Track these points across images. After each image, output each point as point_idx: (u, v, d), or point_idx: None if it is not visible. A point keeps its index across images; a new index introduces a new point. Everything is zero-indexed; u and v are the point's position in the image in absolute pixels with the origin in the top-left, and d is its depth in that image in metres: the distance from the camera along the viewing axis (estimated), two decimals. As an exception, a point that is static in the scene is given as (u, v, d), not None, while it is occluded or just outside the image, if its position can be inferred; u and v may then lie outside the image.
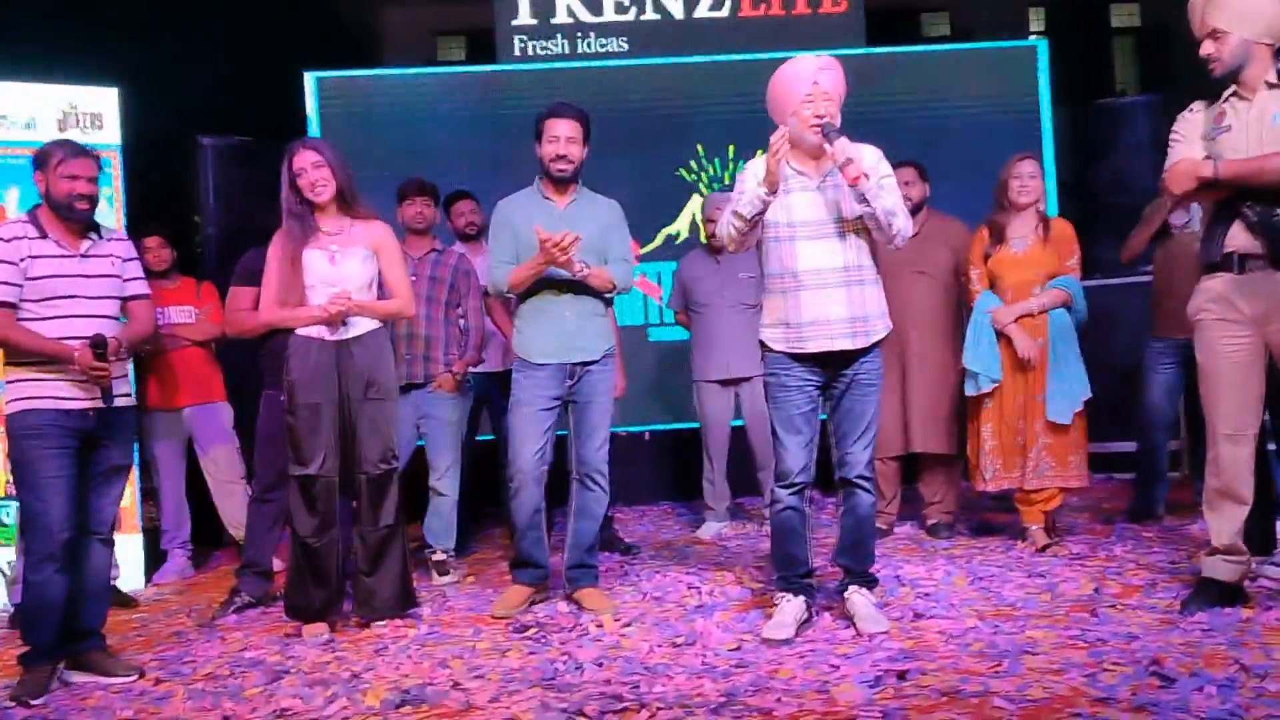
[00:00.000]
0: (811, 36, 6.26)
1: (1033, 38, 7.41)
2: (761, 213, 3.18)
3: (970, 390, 4.24)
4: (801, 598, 3.27)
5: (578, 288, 3.70)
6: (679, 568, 4.29)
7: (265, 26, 7.86)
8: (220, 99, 6.76)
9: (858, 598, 3.26)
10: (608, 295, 3.80)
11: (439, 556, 4.47)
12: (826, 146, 3.08)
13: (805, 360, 3.22)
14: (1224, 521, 3.18)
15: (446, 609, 3.87)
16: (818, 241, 3.19)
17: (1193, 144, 3.15)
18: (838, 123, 3.15)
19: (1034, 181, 4.23)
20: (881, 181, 3.17)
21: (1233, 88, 3.11)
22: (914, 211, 4.23)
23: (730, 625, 3.34)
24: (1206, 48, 3.09)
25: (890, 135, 5.89)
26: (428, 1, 11.13)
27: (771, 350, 3.28)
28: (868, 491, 3.29)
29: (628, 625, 3.43)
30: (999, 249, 4.24)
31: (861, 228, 3.21)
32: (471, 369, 4.62)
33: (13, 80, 4.65)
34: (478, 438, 5.09)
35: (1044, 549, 4.14)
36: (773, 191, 3.13)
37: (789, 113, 3.18)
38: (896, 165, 3.49)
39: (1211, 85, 3.18)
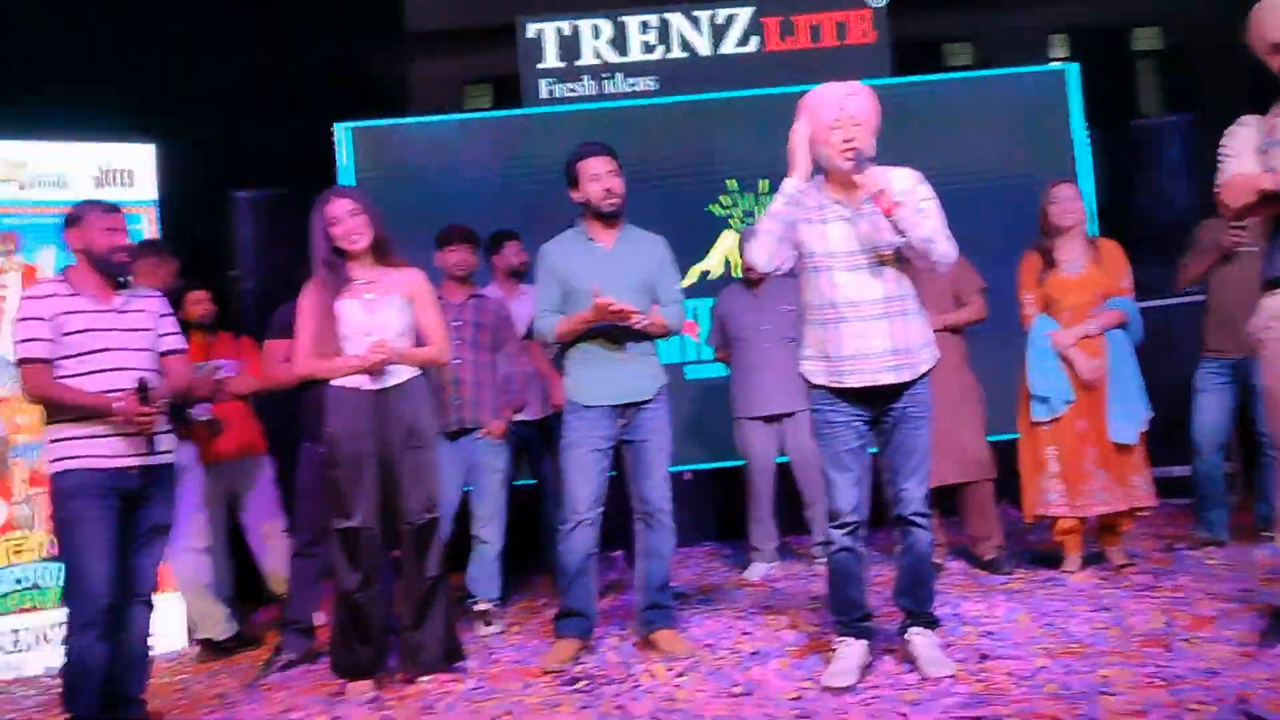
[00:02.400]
0: (839, 68, 6.14)
1: (1057, 63, 7.35)
2: (793, 209, 3.09)
3: (1042, 415, 4.17)
4: (863, 642, 3.16)
5: (627, 330, 3.64)
6: (730, 612, 4.17)
7: (295, 80, 7.95)
8: (253, 152, 6.81)
9: (920, 639, 3.14)
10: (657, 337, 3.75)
11: (483, 606, 4.38)
12: (857, 176, 3.01)
13: (849, 395, 3.13)
14: (1301, 548, 3.04)
15: (493, 662, 3.78)
16: (856, 272, 3.11)
17: (1246, 158, 3.05)
18: (871, 150, 3.07)
19: (1074, 204, 4.23)
20: (920, 205, 3.08)
21: None
22: None
23: (788, 672, 3.23)
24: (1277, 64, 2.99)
25: (917, 164, 5.90)
26: (454, 52, 11.26)
27: (813, 384, 3.19)
28: (925, 529, 3.19)
29: (681, 675, 3.32)
30: (1052, 273, 4.22)
31: (902, 256, 3.12)
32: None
33: (44, 140, 4.68)
34: (515, 483, 5.01)
35: (1121, 568, 4.11)
36: (804, 179, 3.08)
37: (819, 141, 3.11)
38: None
39: (1245, 104, 3.10)
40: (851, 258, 3.11)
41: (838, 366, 3.12)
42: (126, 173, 4.79)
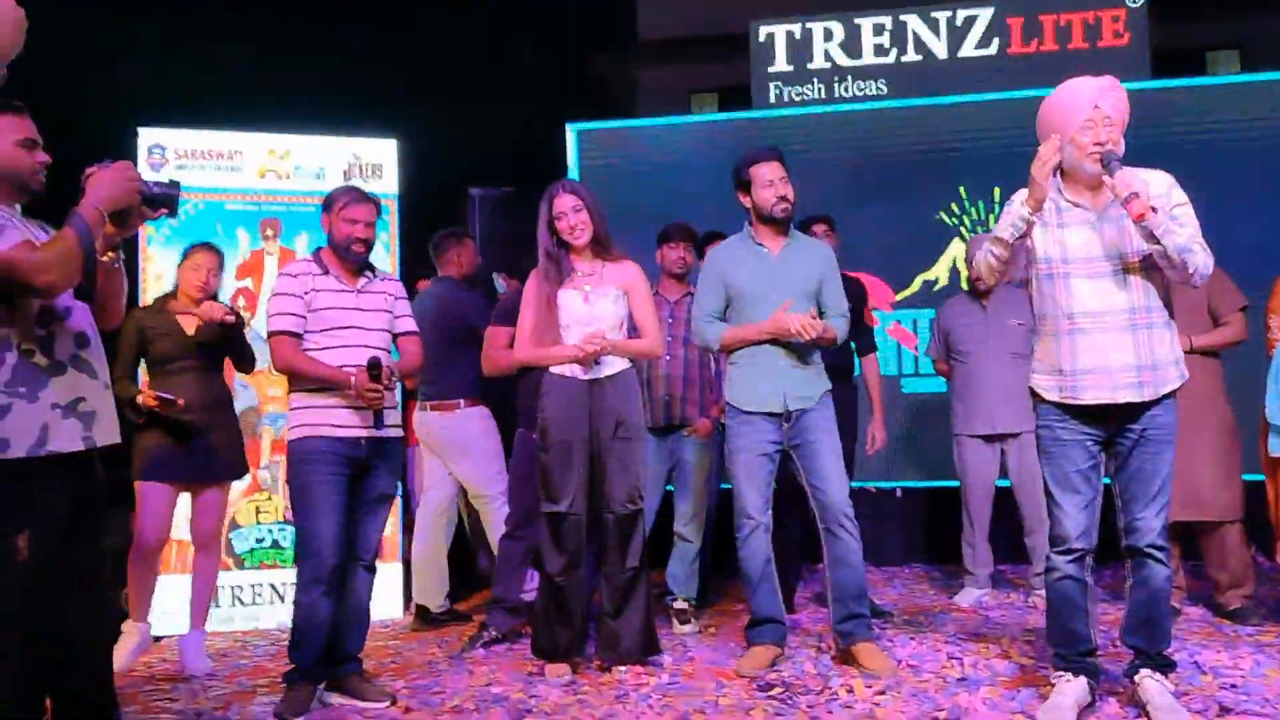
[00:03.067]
0: (1088, 72, 5.79)
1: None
2: (1024, 236, 2.90)
3: (1277, 450, 3.69)
4: (1083, 679, 2.92)
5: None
6: (936, 635, 3.98)
7: (531, 87, 8.26)
8: (488, 151, 7.12)
9: (1151, 683, 2.86)
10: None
11: (680, 605, 4.38)
12: (1106, 179, 2.78)
13: (1083, 412, 2.90)
14: None
15: (688, 659, 3.76)
16: (1097, 280, 2.87)
17: None
18: (1120, 150, 2.83)
19: None
20: (1174, 212, 2.82)
21: None
22: None
23: (998, 703, 3.03)
24: None
25: (1176, 172, 5.44)
26: (681, 60, 11.39)
27: (1043, 400, 2.98)
28: (1162, 563, 2.90)
29: (881, 693, 3.19)
30: None
31: (1150, 264, 2.86)
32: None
33: (303, 134, 5.06)
34: (722, 485, 4.98)
35: None
36: (1037, 209, 2.85)
37: (1065, 140, 2.88)
38: None
39: None
40: (1092, 264, 2.88)
41: (1072, 381, 2.89)
42: (376, 166, 5.10)
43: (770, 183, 3.65)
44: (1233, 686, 3.11)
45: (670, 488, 4.55)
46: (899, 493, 5.98)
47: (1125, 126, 2.90)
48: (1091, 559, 2.97)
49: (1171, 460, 2.92)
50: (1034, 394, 3.02)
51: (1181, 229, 2.80)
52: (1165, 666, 2.93)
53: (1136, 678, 2.90)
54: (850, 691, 3.21)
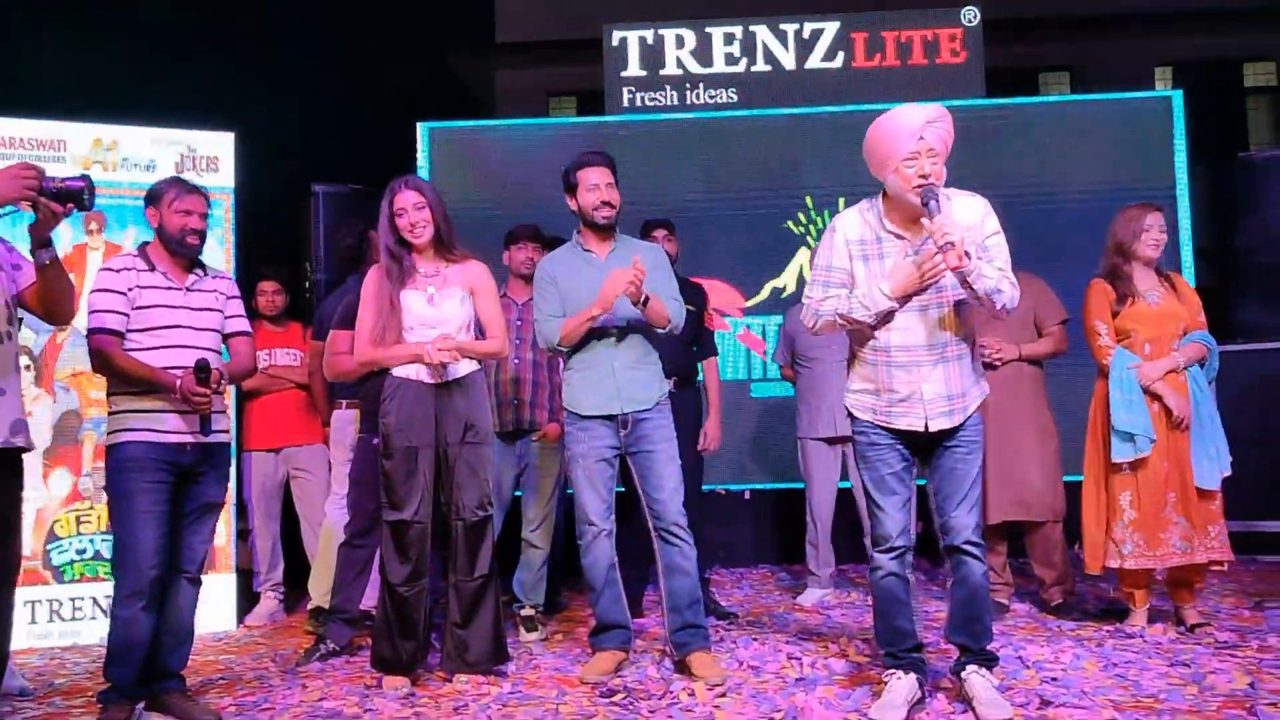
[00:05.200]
0: (928, 88, 6.08)
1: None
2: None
3: (1127, 455, 3.84)
4: (913, 675, 3.00)
5: (627, 338, 3.58)
6: (778, 636, 4.04)
7: (383, 85, 8.06)
8: (336, 149, 6.90)
9: (977, 679, 2.97)
10: (661, 332, 3.62)
11: (528, 612, 4.32)
12: (925, 221, 2.82)
13: (896, 433, 3.01)
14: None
15: (532, 668, 3.71)
16: (910, 314, 2.95)
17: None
18: (942, 178, 2.90)
19: (1163, 235, 3.96)
20: (986, 242, 2.92)
21: None
22: None
23: (834, 702, 3.08)
24: None
25: (1010, 189, 5.75)
26: (540, 63, 11.35)
27: (858, 419, 3.07)
28: (978, 559, 3.01)
29: (722, 695, 3.21)
30: (1130, 303, 3.94)
31: (961, 300, 2.96)
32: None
33: (133, 124, 4.79)
34: (569, 490, 4.95)
35: (1194, 628, 3.83)
36: (903, 303, 2.91)
37: (889, 169, 2.92)
38: None
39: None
40: (908, 300, 2.94)
41: (886, 408, 3.00)
42: (211, 159, 4.86)
43: (595, 187, 3.61)
44: (1054, 680, 3.25)
45: (518, 493, 4.48)
46: (748, 495, 6.07)
47: (948, 154, 2.95)
48: (911, 555, 3.06)
49: (979, 463, 3.03)
50: (850, 412, 3.10)
51: (991, 264, 2.89)
52: (989, 661, 3.04)
53: (963, 674, 3.00)
54: (691, 695, 3.22)
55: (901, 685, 2.97)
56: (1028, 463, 4.27)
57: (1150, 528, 3.84)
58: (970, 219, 2.92)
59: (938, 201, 2.83)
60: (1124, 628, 3.94)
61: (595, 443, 3.58)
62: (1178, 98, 5.95)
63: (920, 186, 2.84)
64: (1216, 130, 10.70)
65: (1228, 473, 3.88)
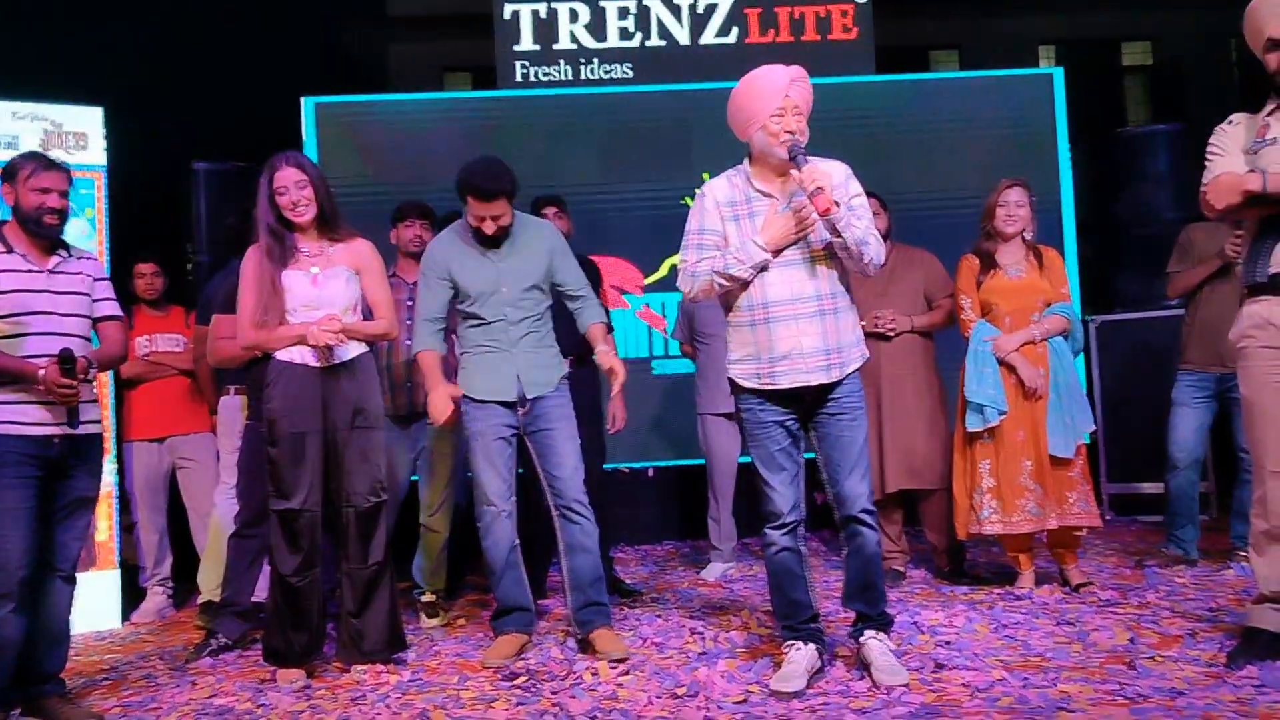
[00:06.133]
0: (820, 63, 6.09)
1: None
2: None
3: (975, 425, 3.97)
4: (812, 645, 3.03)
5: (524, 321, 3.53)
6: (682, 611, 4.05)
7: (266, 57, 7.76)
8: (218, 125, 6.62)
9: (874, 644, 3.01)
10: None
11: (428, 598, 4.24)
12: (794, 172, 2.88)
13: (779, 396, 3.01)
14: (1273, 566, 2.93)
15: (433, 654, 3.64)
16: (786, 269, 2.97)
17: (1233, 157, 2.94)
18: (806, 138, 2.94)
19: (1021, 210, 4.04)
20: (851, 202, 2.96)
21: (1277, 101, 2.91)
22: None
23: (735, 675, 3.10)
24: (1274, 61, 2.87)
25: (899, 164, 5.85)
26: (433, 37, 11.11)
27: (743, 389, 3.07)
28: (871, 528, 3.05)
29: (625, 674, 3.19)
30: (992, 276, 4.04)
31: (832, 253, 3.00)
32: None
33: (-4, 99, 4.51)
34: (468, 473, 4.87)
35: (1079, 588, 3.97)
36: (776, 254, 2.94)
37: (755, 126, 2.96)
38: None
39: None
40: (781, 254, 2.97)
41: (770, 368, 2.99)
42: (79, 135, 4.60)
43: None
44: (947, 643, 3.32)
45: (416, 478, 4.38)
46: (651, 472, 6.08)
47: (809, 113, 3.00)
48: (803, 529, 3.09)
49: (865, 429, 3.07)
50: (733, 384, 3.10)
51: (859, 221, 2.94)
52: (885, 624, 3.08)
53: (861, 639, 3.04)
54: (595, 674, 3.19)
55: (801, 656, 3.00)
56: (918, 432, 4.37)
57: (1006, 495, 3.95)
58: (835, 181, 2.94)
59: (805, 155, 2.87)
60: (1014, 590, 4.06)
61: (493, 421, 3.51)
62: (1059, 75, 6.11)
63: (787, 141, 2.89)
64: (1096, 107, 11.07)
65: (1085, 442, 3.99)
